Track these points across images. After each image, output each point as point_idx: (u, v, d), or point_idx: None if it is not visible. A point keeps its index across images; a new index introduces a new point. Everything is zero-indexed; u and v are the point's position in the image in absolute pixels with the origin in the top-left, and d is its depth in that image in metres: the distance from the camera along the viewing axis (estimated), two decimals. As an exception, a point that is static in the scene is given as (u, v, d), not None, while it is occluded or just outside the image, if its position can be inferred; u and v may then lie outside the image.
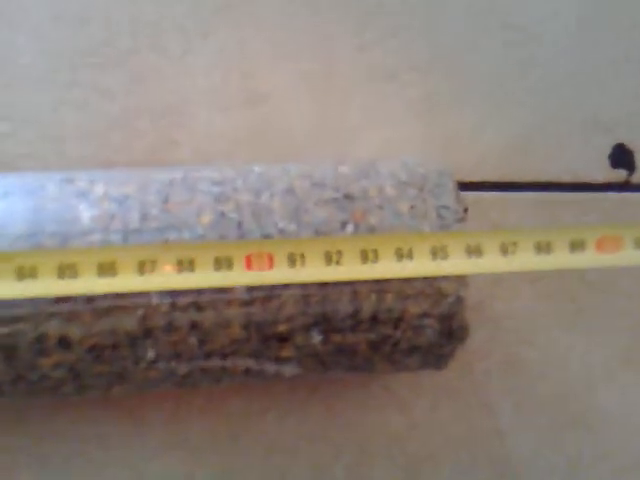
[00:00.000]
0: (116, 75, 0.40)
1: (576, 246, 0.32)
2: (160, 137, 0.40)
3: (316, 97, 0.42)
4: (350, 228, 0.32)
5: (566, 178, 0.43)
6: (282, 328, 0.31)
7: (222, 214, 0.31)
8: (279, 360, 0.32)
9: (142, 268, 0.29)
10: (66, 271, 0.29)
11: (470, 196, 0.41)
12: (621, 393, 0.43)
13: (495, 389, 0.42)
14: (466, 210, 0.33)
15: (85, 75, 0.40)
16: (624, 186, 0.43)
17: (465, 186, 0.42)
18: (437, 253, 0.31)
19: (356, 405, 0.40)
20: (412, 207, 0.33)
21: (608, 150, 0.43)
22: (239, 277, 0.30)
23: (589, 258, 0.32)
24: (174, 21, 0.41)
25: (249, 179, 0.33)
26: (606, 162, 0.43)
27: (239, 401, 0.40)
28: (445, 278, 0.32)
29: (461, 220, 0.33)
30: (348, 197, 0.32)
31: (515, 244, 0.32)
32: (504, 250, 0.32)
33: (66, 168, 0.34)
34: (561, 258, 0.32)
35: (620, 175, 0.43)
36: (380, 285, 0.32)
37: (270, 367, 0.32)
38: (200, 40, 0.41)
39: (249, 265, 0.30)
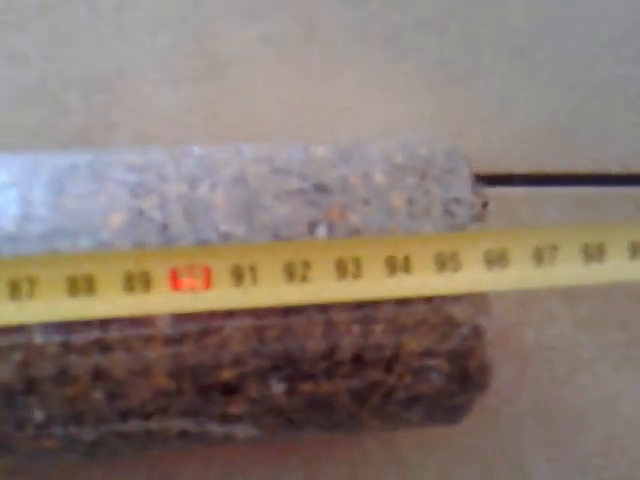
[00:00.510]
0: (33, 35, 0.31)
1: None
2: (92, 115, 0.31)
3: (292, 66, 0.33)
4: (322, 231, 0.23)
5: (614, 169, 0.33)
6: (227, 375, 0.22)
7: (140, 212, 0.22)
8: (227, 419, 0.23)
9: (15, 291, 0.20)
10: None
11: (494, 192, 0.32)
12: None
13: (526, 443, 0.32)
14: (485, 205, 0.24)
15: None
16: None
17: (488, 179, 0.32)
18: (445, 263, 0.22)
19: (345, 468, 0.31)
20: (410, 201, 0.23)
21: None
22: (162, 301, 0.21)
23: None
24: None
25: (184, 164, 0.24)
26: None
27: (192, 468, 0.30)
28: (456, 300, 0.23)
29: (479, 218, 0.23)
30: (321, 188, 0.23)
31: (554, 248, 0.23)
32: (538, 258, 0.23)
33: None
34: (619, 267, 0.23)
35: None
36: (365, 311, 0.22)
37: (215, 429, 0.23)
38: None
39: (176, 283, 0.21)
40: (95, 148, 0.31)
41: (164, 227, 0.22)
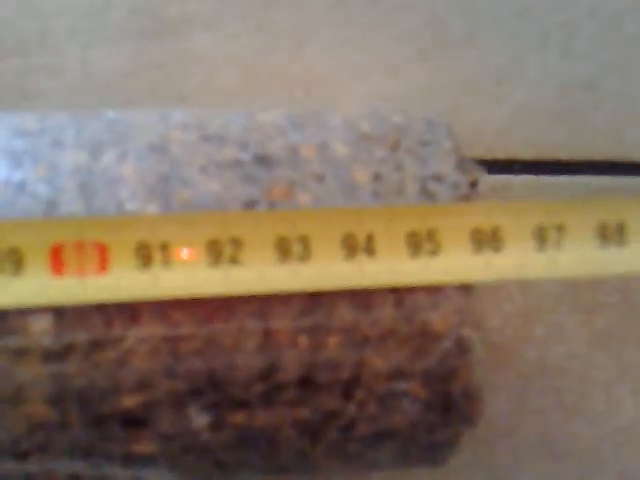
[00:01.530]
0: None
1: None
2: (10, 83, 0.26)
3: (257, 28, 0.28)
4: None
5: (637, 156, 0.28)
6: (130, 402, 0.16)
7: (20, 186, 0.17)
8: (132, 460, 0.17)
9: None
10: None
11: (492, 180, 0.27)
12: None
13: (529, 484, 0.26)
14: (475, 184, 0.18)
15: None
16: None
17: (487, 165, 0.27)
18: (420, 244, 0.17)
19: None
20: (377, 177, 0.18)
21: None
22: (37, 289, 0.16)
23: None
24: None
25: (88, 129, 0.18)
26: None
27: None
28: (435, 305, 0.17)
29: (465, 200, 0.18)
30: (263, 160, 0.18)
31: (561, 228, 0.17)
32: (541, 239, 0.17)
33: None
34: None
35: None
36: (315, 317, 0.17)
37: (118, 472, 0.18)
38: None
39: (58, 267, 0.16)
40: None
41: (50, 204, 0.17)
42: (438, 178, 0.18)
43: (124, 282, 0.16)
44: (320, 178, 0.18)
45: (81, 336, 0.16)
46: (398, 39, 0.28)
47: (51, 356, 0.16)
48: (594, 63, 0.29)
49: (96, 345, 0.16)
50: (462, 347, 0.18)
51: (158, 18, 0.27)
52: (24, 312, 0.16)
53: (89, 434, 0.17)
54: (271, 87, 0.28)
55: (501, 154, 0.28)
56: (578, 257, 0.18)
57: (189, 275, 0.16)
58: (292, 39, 0.28)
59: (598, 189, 0.28)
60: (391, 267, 0.17)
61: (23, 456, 0.16)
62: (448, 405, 0.18)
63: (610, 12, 0.29)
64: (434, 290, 0.17)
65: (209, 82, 0.28)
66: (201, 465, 0.18)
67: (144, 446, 0.17)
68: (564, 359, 0.27)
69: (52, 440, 0.16)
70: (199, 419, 0.17)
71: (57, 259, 0.16)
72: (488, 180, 0.26)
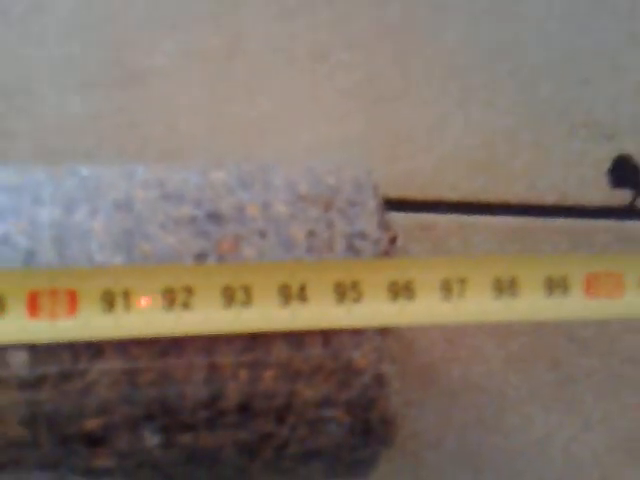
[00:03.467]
0: None
1: (556, 287, 0.21)
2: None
3: (214, 80, 0.31)
4: (212, 263, 0.20)
5: (551, 199, 0.32)
6: (91, 425, 0.19)
7: (5, 238, 0.20)
8: (93, 473, 0.20)
9: None
10: None
11: (422, 219, 0.30)
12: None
13: (448, 492, 0.30)
14: (393, 241, 0.22)
15: None
16: (627, 211, 0.32)
17: (416, 206, 0.31)
18: (345, 293, 0.20)
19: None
20: (311, 233, 0.21)
21: (607, 163, 0.32)
22: (16, 329, 0.18)
23: (575, 304, 0.21)
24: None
25: (64, 186, 0.21)
26: (604, 179, 0.32)
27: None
28: (358, 344, 0.21)
29: (385, 254, 0.21)
30: (215, 217, 0.21)
31: (463, 282, 0.21)
32: (447, 290, 0.21)
33: None
34: (533, 304, 0.21)
35: (622, 197, 0.32)
36: (255, 354, 0.20)
37: (81, 481, 0.21)
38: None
39: (34, 310, 0.18)
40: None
41: (29, 254, 0.19)
42: (363, 235, 0.21)
43: (90, 324, 0.19)
44: (263, 234, 0.21)
45: (52, 369, 0.19)
46: (341, 93, 0.31)
47: (26, 385, 0.19)
48: (513, 118, 0.32)
49: (65, 376, 0.19)
50: (380, 381, 0.21)
51: (127, 70, 0.30)
52: (3, 348, 0.19)
53: (56, 451, 0.19)
54: (226, 133, 0.31)
55: (431, 196, 0.31)
56: (477, 306, 0.21)
57: (147, 318, 0.19)
58: (248, 90, 0.31)
59: (515, 229, 0.31)
60: (320, 312, 0.20)
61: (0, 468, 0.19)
62: (368, 429, 0.21)
63: (527, 74, 0.32)
64: (357, 332, 0.21)
65: (171, 128, 0.30)
66: (152, 478, 0.21)
67: (103, 461, 0.20)
68: (483, 378, 0.31)
69: (24, 455, 0.19)
70: (152, 439, 0.20)
71: (33, 304, 0.19)
72: (419, 219, 0.29)
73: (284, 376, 0.20)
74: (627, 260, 0.22)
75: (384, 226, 0.22)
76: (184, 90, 0.31)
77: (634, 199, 0.32)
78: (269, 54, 0.31)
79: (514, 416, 0.31)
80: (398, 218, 0.29)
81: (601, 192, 0.32)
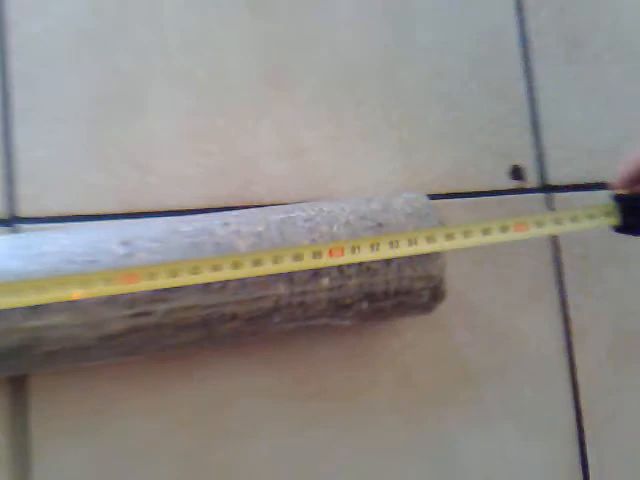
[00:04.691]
0: None
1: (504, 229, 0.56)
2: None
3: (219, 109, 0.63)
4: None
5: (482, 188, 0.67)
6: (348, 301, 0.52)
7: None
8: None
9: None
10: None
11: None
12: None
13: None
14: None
15: None
16: (520, 190, 0.68)
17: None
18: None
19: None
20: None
21: (507, 169, 0.68)
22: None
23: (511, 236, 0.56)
24: None
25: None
26: (507, 176, 0.68)
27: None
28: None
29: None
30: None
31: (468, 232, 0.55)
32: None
33: None
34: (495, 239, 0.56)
35: (517, 183, 0.68)
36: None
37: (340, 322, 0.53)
38: None
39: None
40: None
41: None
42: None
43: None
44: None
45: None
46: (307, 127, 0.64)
47: (331, 288, 0.51)
48: (457, 144, 0.66)
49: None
50: (440, 258, 0.55)
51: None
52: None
53: (335, 311, 0.52)
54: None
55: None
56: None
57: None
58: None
59: (473, 205, 0.66)
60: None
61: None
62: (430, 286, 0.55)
63: (447, 106, 0.67)
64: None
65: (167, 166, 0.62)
66: (360, 318, 0.54)
67: (348, 314, 0.53)
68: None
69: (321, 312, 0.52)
70: (365, 306, 0.53)
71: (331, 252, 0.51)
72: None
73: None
74: (528, 214, 0.57)
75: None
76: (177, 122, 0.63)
77: (522, 184, 0.68)
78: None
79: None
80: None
81: (506, 182, 0.67)
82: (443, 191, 0.66)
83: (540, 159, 0.68)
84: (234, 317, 0.49)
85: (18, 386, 0.52)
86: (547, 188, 0.68)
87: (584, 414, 0.66)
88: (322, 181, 0.61)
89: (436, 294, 0.56)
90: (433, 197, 0.60)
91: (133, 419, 0.54)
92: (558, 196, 0.68)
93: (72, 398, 0.53)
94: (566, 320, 0.67)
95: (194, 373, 0.56)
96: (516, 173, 0.68)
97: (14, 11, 0.55)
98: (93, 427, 0.53)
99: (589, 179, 0.69)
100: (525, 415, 0.65)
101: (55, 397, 0.52)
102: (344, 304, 0.52)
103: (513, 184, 0.67)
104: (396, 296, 0.54)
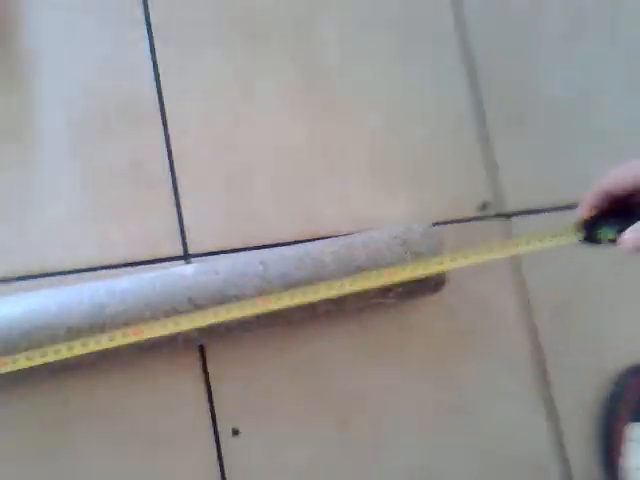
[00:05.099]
0: None
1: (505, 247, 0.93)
2: None
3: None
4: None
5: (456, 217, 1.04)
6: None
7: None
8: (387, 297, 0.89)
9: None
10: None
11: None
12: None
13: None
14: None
15: None
16: (487, 218, 1.05)
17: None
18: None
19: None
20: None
21: (479, 204, 1.04)
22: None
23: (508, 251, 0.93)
24: None
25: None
26: (477, 208, 1.04)
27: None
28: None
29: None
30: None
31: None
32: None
33: None
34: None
35: (484, 212, 1.05)
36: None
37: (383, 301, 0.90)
38: None
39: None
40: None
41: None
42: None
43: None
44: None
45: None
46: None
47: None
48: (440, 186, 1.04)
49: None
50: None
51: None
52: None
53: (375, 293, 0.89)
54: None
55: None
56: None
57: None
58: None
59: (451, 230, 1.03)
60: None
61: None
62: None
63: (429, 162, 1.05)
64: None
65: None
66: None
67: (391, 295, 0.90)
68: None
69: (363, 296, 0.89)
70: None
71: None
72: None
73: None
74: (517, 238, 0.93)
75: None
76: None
77: (486, 212, 1.04)
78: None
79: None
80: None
81: (476, 211, 1.04)
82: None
83: (499, 195, 1.05)
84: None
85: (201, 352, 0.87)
86: (505, 215, 1.05)
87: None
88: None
89: (439, 281, 0.92)
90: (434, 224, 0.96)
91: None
92: (514, 219, 1.05)
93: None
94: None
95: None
96: (484, 206, 1.05)
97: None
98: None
99: (536, 206, 1.06)
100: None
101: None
102: (387, 289, 0.88)
103: (481, 213, 1.05)
104: (415, 284, 0.89)
